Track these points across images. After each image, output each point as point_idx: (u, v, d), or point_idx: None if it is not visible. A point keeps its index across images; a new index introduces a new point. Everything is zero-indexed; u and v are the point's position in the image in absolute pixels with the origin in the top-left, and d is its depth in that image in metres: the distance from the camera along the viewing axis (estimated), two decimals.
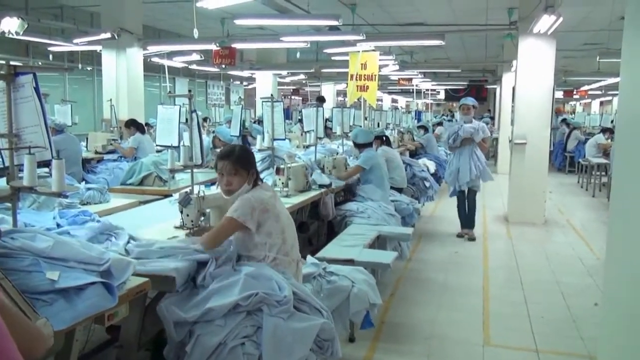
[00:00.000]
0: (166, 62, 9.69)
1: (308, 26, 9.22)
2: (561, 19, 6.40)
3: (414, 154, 9.61)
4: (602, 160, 10.44)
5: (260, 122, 9.87)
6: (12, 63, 2.38)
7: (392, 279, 5.03)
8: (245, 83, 19.44)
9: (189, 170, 3.56)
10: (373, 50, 8.65)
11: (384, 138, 7.01)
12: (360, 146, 5.97)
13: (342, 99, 22.35)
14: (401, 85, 18.11)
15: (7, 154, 2.44)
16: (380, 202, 5.47)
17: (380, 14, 10.55)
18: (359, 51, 8.34)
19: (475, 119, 6.90)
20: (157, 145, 5.04)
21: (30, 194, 2.84)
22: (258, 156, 5.58)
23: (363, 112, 9.38)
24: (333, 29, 9.05)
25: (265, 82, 14.82)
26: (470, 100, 6.72)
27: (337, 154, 6.54)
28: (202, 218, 3.20)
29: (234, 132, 7.79)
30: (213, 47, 9.56)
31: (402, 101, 31.56)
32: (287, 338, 2.37)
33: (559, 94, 21.16)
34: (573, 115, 22.91)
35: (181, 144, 3.87)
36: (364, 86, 8.35)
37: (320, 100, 13.53)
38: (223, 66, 10.46)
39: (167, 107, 4.24)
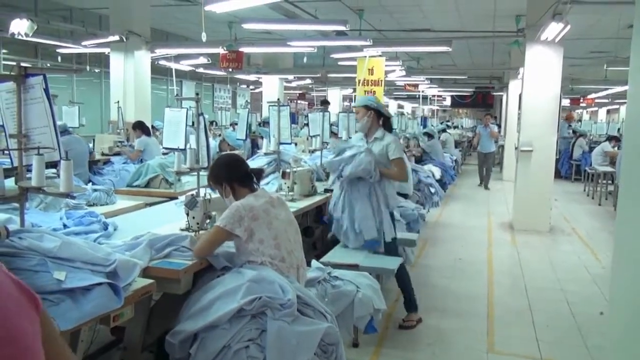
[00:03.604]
0: (173, 65, 9.72)
1: (315, 31, 9.25)
2: (569, 27, 6.39)
3: (420, 160, 9.61)
4: (608, 169, 10.40)
5: (266, 123, 9.89)
6: (22, 64, 2.40)
7: (397, 285, 5.01)
8: (251, 87, 19.48)
9: (195, 173, 3.57)
10: (380, 55, 8.68)
11: None
12: None
13: (348, 104, 22.35)
14: (407, 91, 18.12)
15: (16, 154, 2.46)
16: None
17: (387, 19, 10.58)
18: (365, 56, 8.37)
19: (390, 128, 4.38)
20: (163, 148, 5.06)
21: (37, 194, 2.85)
22: (264, 160, 5.61)
23: None
24: (340, 34, 9.07)
25: (271, 86, 14.87)
26: (365, 100, 4.36)
27: None
28: (208, 221, 3.21)
29: (240, 135, 7.80)
30: (220, 50, 9.60)
31: (408, 107, 31.55)
32: (292, 341, 2.37)
33: (566, 102, 21.10)
34: (579, 123, 22.85)
35: (188, 146, 3.88)
36: (370, 91, 8.38)
37: (325, 103, 13.55)
38: (230, 70, 10.49)
39: (174, 109, 4.26)
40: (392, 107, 27.48)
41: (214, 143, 7.22)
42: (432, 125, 15.63)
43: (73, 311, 2.02)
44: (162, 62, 10.71)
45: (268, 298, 2.46)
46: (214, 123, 12.81)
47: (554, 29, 6.53)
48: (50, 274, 2.09)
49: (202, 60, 10.94)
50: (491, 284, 5.26)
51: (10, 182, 2.58)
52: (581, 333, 4.08)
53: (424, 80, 16.43)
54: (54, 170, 3.44)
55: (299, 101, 24.41)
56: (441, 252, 6.35)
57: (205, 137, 3.82)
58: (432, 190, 7.55)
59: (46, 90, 2.41)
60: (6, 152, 2.57)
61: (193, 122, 4.11)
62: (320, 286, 3.29)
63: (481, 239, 7.12)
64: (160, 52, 9.46)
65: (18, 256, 2.12)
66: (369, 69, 8.32)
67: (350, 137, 7.54)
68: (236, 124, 9.57)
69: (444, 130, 13.76)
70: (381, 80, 8.40)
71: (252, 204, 2.82)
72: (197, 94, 3.66)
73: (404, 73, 12.88)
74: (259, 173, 3.19)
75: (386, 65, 9.07)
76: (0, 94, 2.47)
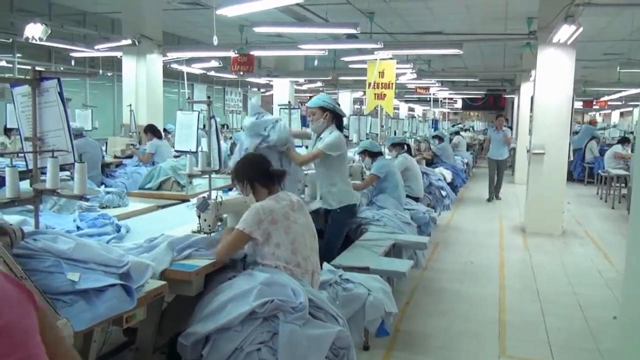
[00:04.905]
0: (185, 69, 9.79)
1: (326, 34, 9.27)
2: (581, 29, 6.35)
3: (431, 163, 9.60)
4: (622, 172, 10.31)
5: None
6: (37, 68, 2.43)
7: (408, 288, 5.01)
8: (262, 90, 19.55)
9: (207, 176, 3.60)
10: (390, 58, 8.67)
11: (405, 146, 7.01)
12: (372, 155, 6.01)
13: (359, 106, 22.36)
14: (418, 93, 18.08)
15: (31, 157, 2.49)
16: (396, 210, 5.47)
17: (398, 22, 10.58)
18: (376, 59, 8.36)
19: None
20: (175, 151, 5.09)
21: (51, 196, 2.89)
22: None
23: (380, 120, 9.40)
24: (351, 37, 9.07)
25: (282, 89, 14.89)
26: (320, 101, 4.29)
27: (354, 161, 6.55)
28: (220, 223, 3.23)
29: None
30: (231, 54, 9.64)
31: (418, 110, 31.48)
32: (303, 344, 2.37)
33: (578, 104, 20.96)
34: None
35: (199, 149, 3.91)
36: (381, 94, 8.36)
37: None
38: (241, 73, 10.52)
39: (186, 113, 4.29)
40: (403, 109, 27.43)
41: (225, 146, 7.24)
42: (443, 128, 15.62)
43: (87, 312, 2.04)
44: (174, 66, 10.77)
45: (280, 301, 2.47)
46: (225, 126, 12.85)
47: (566, 31, 6.49)
48: (64, 275, 2.12)
49: (214, 63, 10.99)
50: (503, 287, 5.23)
51: (24, 185, 2.61)
52: (594, 337, 4.05)
53: (434, 83, 16.38)
54: (67, 173, 3.48)
55: None
56: (452, 255, 6.33)
57: (217, 140, 3.85)
58: (444, 193, 7.53)
59: (60, 94, 2.44)
60: (21, 154, 2.60)
61: (204, 125, 4.14)
62: (332, 289, 3.30)
63: (493, 242, 7.09)
64: (172, 55, 9.51)
65: (33, 257, 2.15)
66: (379, 72, 8.30)
67: (361, 140, 7.53)
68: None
69: (457, 133, 13.73)
70: (392, 83, 8.37)
71: (272, 207, 2.83)
72: (208, 97, 3.68)
73: (415, 76, 12.85)
74: (282, 174, 3.18)
75: (397, 68, 9.05)
76: (16, 97, 2.51)
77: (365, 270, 3.79)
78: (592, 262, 6.16)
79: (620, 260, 5.87)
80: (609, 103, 21.83)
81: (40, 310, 0.88)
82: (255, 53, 10.35)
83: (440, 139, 10.95)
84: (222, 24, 8.94)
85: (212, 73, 13.76)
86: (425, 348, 3.82)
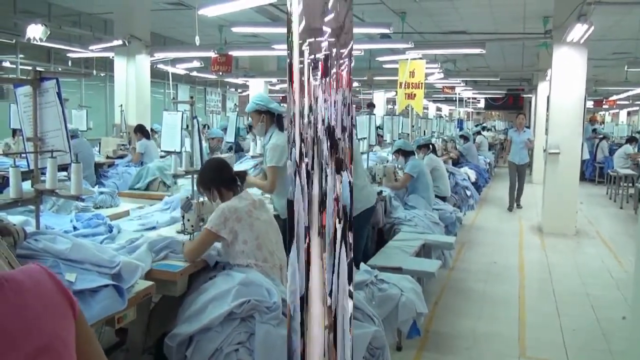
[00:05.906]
0: (170, 69, 9.88)
1: (362, 34, 9.32)
2: (592, 28, 6.49)
3: (457, 163, 9.76)
4: (630, 172, 10.44)
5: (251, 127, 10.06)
6: (37, 69, 2.58)
7: (436, 288, 5.20)
8: (239, 90, 19.66)
9: (190, 176, 3.71)
10: (420, 58, 8.82)
11: (430, 146, 7.19)
12: (406, 154, 6.28)
13: (392, 106, 22.42)
14: (445, 93, 18.22)
15: (32, 157, 2.64)
16: (425, 210, 5.72)
17: (427, 22, 10.69)
18: (407, 59, 8.52)
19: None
20: (161, 151, 5.22)
21: (50, 196, 3.03)
22: (250, 163, 5.91)
23: (410, 120, 9.58)
24: (384, 37, 9.18)
25: (257, 89, 14.99)
26: (253, 105, 4.19)
27: (387, 161, 6.74)
28: (202, 223, 3.26)
29: (229, 138, 8.05)
30: (212, 54, 9.74)
31: (445, 109, 31.48)
32: (278, 344, 2.47)
33: (590, 104, 20.99)
34: (602, 125, 22.82)
35: (183, 149, 4.04)
36: (411, 94, 8.53)
37: (371, 106, 13.67)
38: (220, 73, 10.57)
39: (171, 113, 4.41)
40: (431, 109, 27.43)
41: (205, 146, 7.42)
42: (467, 128, 15.81)
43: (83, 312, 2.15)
44: (160, 66, 10.87)
45: (256, 301, 2.59)
46: (206, 126, 12.83)
47: (579, 30, 6.63)
48: (62, 275, 2.23)
49: (196, 63, 11.10)
50: (522, 287, 5.42)
51: (26, 185, 2.73)
52: (605, 338, 4.19)
53: (460, 83, 16.54)
54: (64, 173, 3.62)
55: (282, 104, 24.33)
56: (477, 255, 6.54)
57: (199, 140, 3.98)
58: (468, 193, 7.74)
59: (59, 94, 2.58)
60: (23, 155, 2.74)
61: (187, 125, 4.26)
62: (368, 289, 3.44)
63: (513, 242, 7.31)
64: (158, 55, 9.61)
65: (34, 258, 2.28)
66: (410, 72, 8.46)
67: (394, 140, 7.71)
68: (226, 128, 9.69)
69: (479, 133, 13.92)
70: (422, 83, 8.52)
71: (236, 206, 2.98)
72: (191, 97, 3.81)
73: (442, 75, 12.96)
74: (243, 175, 3.35)
75: (426, 68, 9.06)
76: (19, 97, 2.65)
77: (398, 270, 3.96)
78: (602, 263, 6.35)
79: (629, 260, 6.07)
80: (617, 102, 21.86)
81: (79, 318, 0.94)
82: (235, 53, 10.50)
83: (466, 138, 11.13)
84: (204, 24, 9.05)
85: (195, 73, 13.90)
86: (454, 348, 3.98)
